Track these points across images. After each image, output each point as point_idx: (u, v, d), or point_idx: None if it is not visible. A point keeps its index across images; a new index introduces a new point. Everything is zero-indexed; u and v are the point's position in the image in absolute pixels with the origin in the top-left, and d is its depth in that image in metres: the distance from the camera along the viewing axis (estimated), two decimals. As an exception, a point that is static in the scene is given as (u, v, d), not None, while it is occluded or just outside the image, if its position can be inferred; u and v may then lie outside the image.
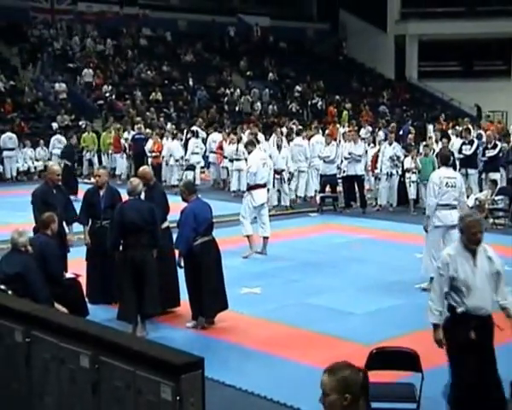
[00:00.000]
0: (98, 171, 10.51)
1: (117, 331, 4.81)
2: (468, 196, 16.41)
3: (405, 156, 17.52)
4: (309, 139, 19.30)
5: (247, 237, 12.65)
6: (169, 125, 26.14)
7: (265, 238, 12.79)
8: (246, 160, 16.43)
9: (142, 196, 9.00)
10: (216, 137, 22.51)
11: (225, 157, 21.16)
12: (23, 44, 32.63)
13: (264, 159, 13.20)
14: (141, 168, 10.31)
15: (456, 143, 18.65)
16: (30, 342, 5.02)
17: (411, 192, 17.07)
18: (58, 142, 24.92)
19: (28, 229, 8.27)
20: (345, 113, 32.63)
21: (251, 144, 13.63)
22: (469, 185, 17.02)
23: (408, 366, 5.71)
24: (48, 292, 7.23)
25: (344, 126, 24.34)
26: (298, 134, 19.77)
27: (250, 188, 12.79)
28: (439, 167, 10.76)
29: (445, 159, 10.70)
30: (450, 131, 22.49)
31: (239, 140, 20.09)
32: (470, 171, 17.23)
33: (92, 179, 23.90)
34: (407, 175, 17.15)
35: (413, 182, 16.95)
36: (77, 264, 9.87)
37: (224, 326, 8.80)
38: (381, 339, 7.57)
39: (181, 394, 4.01)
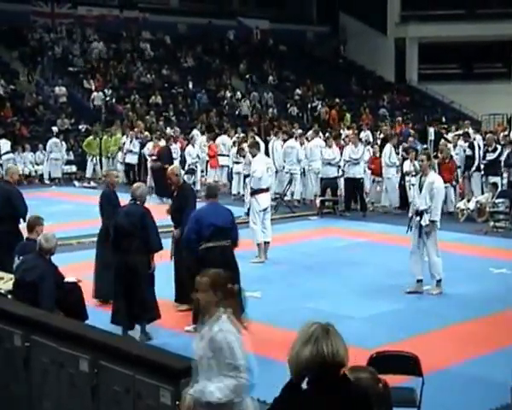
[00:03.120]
0: (114, 172, 11.08)
1: (116, 336, 4.81)
2: (469, 200, 16.48)
3: (405, 159, 17.52)
4: (301, 143, 19.36)
5: (258, 244, 12.65)
6: (168, 129, 26.15)
7: (267, 243, 12.77)
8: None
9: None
10: (225, 140, 22.50)
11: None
12: (23, 48, 32.66)
13: (268, 163, 13.25)
14: (169, 168, 10.58)
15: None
16: (29, 346, 5.01)
17: (411, 195, 17.04)
18: (55, 145, 24.94)
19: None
20: (347, 115, 32.67)
21: (255, 147, 13.55)
22: (472, 188, 17.04)
23: (408, 370, 5.69)
24: (52, 303, 7.18)
25: (344, 129, 24.33)
26: (291, 136, 19.78)
27: (254, 192, 12.80)
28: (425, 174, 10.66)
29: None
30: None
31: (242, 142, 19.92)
32: (473, 173, 17.23)
33: (92, 183, 24.10)
34: (406, 178, 17.15)
35: (413, 185, 16.89)
36: (83, 267, 9.85)
37: (224, 330, 8.77)
38: (380, 343, 7.56)
39: (180, 398, 4.01)
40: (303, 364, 3.18)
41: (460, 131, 21.62)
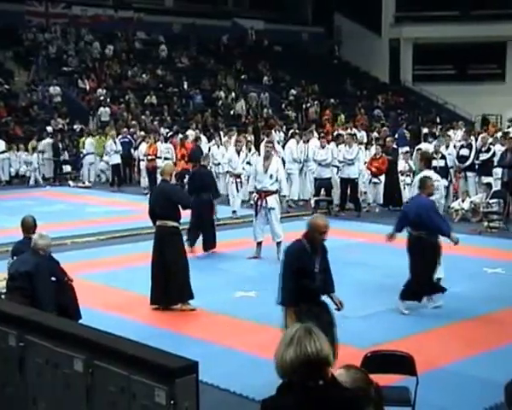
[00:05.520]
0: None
1: (111, 335, 4.80)
2: (463, 200, 16.53)
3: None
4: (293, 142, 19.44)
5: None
6: (162, 129, 26.19)
7: (259, 243, 12.82)
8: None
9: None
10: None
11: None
12: (17, 48, 32.62)
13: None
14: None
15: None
16: (24, 347, 5.00)
17: (406, 195, 17.14)
18: (48, 146, 24.92)
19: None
20: (341, 116, 32.71)
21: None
22: (467, 189, 17.09)
23: (403, 369, 5.70)
24: (49, 295, 7.20)
25: (338, 130, 24.39)
26: (292, 136, 19.87)
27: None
28: (420, 170, 10.76)
29: (429, 162, 10.83)
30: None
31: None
32: (469, 174, 17.27)
33: (87, 183, 24.10)
34: (401, 178, 17.22)
35: (407, 184, 17.00)
36: (77, 266, 9.82)
37: (219, 330, 8.79)
38: (375, 342, 7.58)
39: (175, 398, 4.00)
40: (288, 365, 3.14)
41: (458, 131, 21.74)
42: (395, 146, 18.87)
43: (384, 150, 18.52)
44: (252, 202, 13.08)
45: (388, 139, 19.71)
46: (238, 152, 17.63)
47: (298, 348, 3.13)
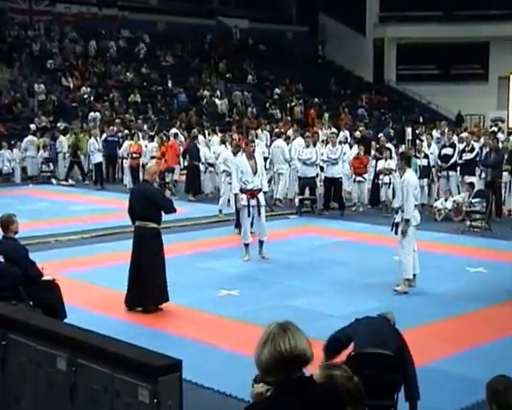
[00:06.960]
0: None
1: (94, 334, 4.79)
2: (446, 199, 16.61)
3: (379, 159, 17.69)
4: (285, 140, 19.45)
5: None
6: (146, 127, 26.14)
7: (248, 245, 12.78)
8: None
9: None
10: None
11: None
12: (0, 45, 32.41)
13: None
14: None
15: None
16: (6, 345, 4.98)
17: (383, 194, 17.27)
18: (30, 144, 24.80)
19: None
20: (325, 115, 32.79)
21: None
22: (450, 188, 17.17)
23: (386, 368, 5.72)
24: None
25: (322, 129, 24.46)
26: (279, 136, 19.87)
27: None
28: (401, 170, 10.79)
29: (409, 161, 10.93)
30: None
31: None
32: (451, 173, 17.35)
33: (70, 181, 23.97)
34: (380, 176, 17.32)
35: (385, 184, 17.12)
36: (61, 265, 9.78)
37: (202, 328, 8.79)
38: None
39: (158, 396, 4.01)
40: (264, 365, 3.07)
41: (439, 130, 21.85)
42: (388, 145, 18.94)
43: (377, 149, 18.59)
44: (244, 202, 12.35)
45: (382, 138, 19.82)
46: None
47: (272, 347, 3.05)
